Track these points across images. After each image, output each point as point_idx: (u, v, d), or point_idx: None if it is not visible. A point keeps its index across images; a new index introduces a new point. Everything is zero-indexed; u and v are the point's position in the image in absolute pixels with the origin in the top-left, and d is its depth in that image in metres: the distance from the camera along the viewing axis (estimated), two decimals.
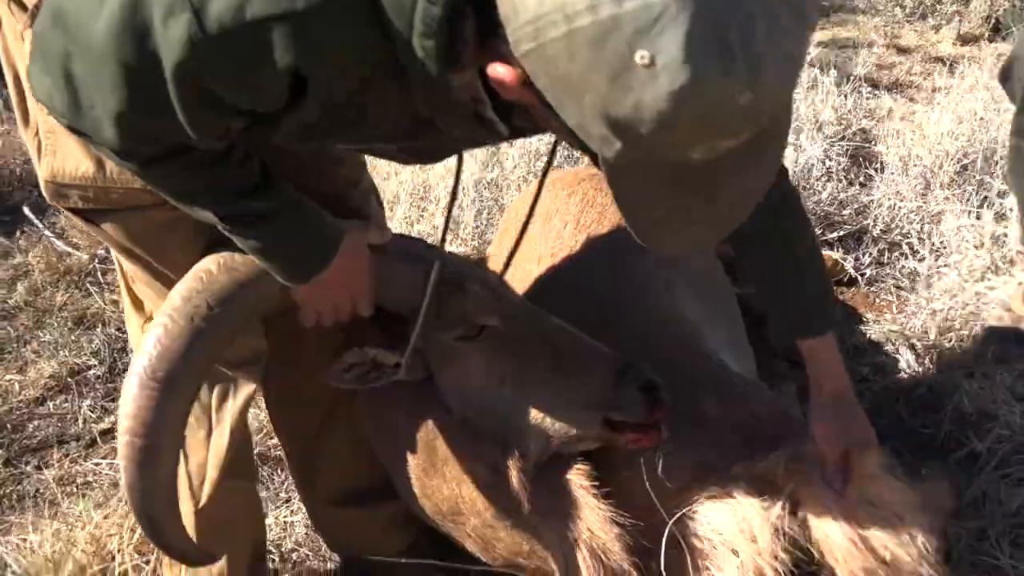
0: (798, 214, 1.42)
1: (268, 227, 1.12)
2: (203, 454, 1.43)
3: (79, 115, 0.96)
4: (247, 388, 1.41)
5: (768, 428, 1.57)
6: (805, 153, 2.88)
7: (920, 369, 2.05)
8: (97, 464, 2.12)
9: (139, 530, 1.67)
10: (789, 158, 2.82)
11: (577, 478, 1.43)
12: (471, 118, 1.00)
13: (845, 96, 3.38)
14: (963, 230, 2.24)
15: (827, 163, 2.86)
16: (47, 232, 3.17)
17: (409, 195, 2.80)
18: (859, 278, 2.59)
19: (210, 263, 1.23)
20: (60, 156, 1.20)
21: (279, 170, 1.25)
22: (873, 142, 3.24)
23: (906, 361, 2.11)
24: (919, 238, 2.46)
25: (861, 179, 3.06)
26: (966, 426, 1.83)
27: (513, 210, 2.21)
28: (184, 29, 0.84)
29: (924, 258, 2.30)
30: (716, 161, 0.79)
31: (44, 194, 1.25)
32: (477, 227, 2.74)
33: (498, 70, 0.86)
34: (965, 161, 2.87)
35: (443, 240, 1.46)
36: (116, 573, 1.64)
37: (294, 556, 1.86)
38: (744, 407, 1.60)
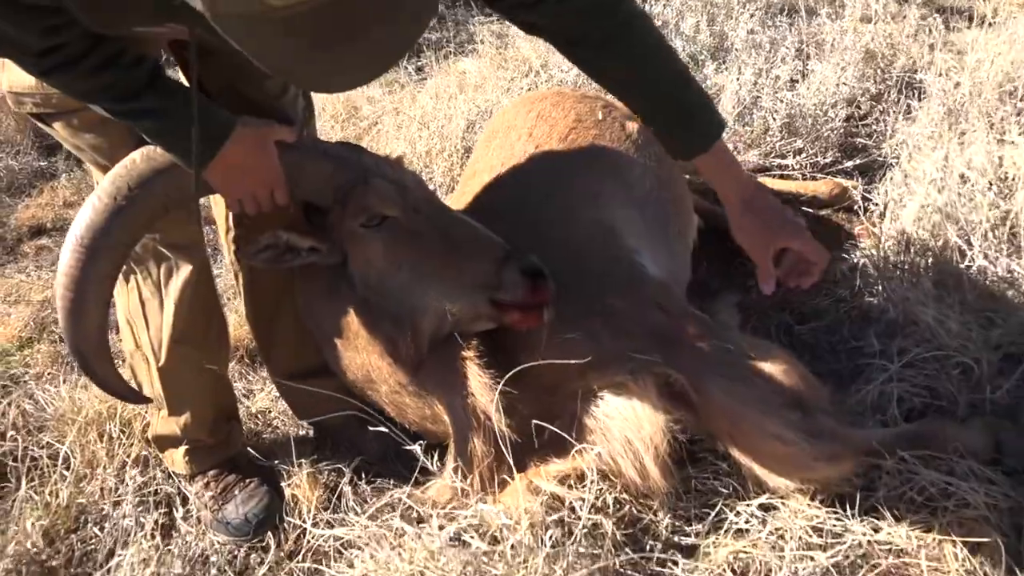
0: (647, 41, 1.47)
1: (159, 120, 1.33)
2: (158, 321, 1.72)
3: None
4: (186, 268, 1.68)
5: (673, 324, 1.69)
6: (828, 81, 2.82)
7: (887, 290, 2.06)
8: None
9: None
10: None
11: (467, 352, 1.61)
12: None
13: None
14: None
15: (846, 89, 2.80)
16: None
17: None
18: (862, 206, 2.56)
19: (136, 153, 1.45)
20: (13, 71, 1.48)
21: (218, 80, 1.49)
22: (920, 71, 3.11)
23: (881, 284, 2.12)
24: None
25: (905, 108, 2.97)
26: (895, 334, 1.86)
27: (489, 125, 2.36)
28: None
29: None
30: (308, 10, 0.82)
31: (8, 103, 1.54)
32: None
33: None
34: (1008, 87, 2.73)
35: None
36: (120, 415, 1.98)
37: (278, 424, 2.16)
38: (650, 305, 1.72)
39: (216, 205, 1.84)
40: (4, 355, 2.53)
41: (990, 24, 3.02)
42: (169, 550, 1.75)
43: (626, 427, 1.58)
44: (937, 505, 1.54)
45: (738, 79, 2.95)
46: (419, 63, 4.15)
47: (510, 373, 1.52)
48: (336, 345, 1.72)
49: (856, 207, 2.56)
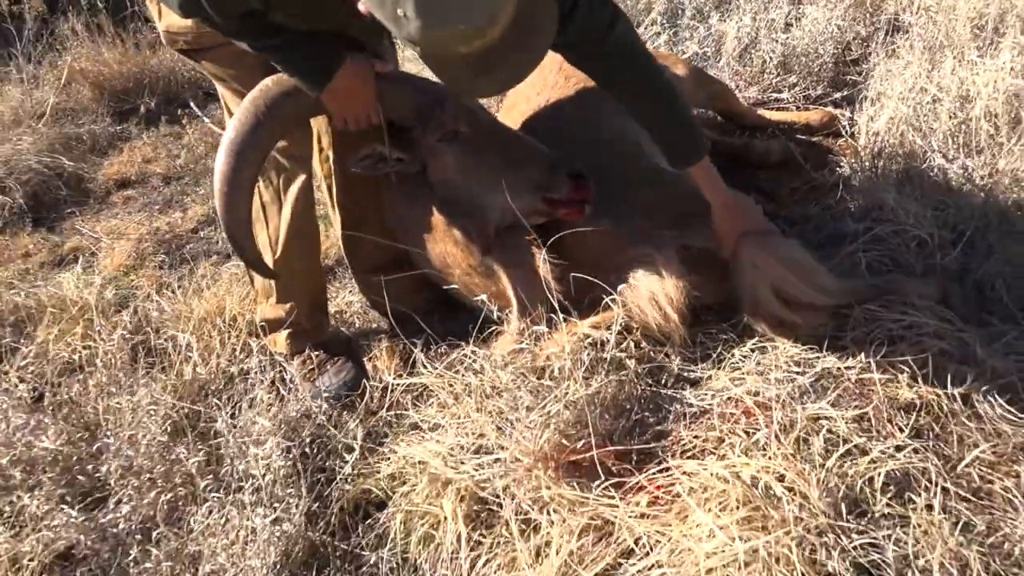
0: (636, 66, 1.92)
1: (289, 52, 1.77)
2: (276, 221, 2.15)
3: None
4: (301, 176, 2.11)
5: (691, 206, 2.10)
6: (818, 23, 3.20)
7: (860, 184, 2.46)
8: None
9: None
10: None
11: (526, 238, 2.03)
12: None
13: None
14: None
15: (834, 29, 3.18)
16: (206, 119, 4.03)
17: None
18: (848, 130, 2.94)
19: (268, 80, 1.89)
20: (167, 16, 1.91)
21: (328, 20, 1.92)
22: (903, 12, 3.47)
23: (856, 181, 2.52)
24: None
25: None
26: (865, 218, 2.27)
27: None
28: None
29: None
30: (486, 51, 1.41)
31: (163, 41, 1.98)
32: None
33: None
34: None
35: None
36: (226, 312, 2.42)
37: (355, 319, 2.60)
38: (672, 193, 2.14)
39: (318, 127, 2.25)
40: (115, 280, 2.98)
41: None
42: (285, 408, 2.19)
43: (651, 285, 1.99)
44: (897, 342, 1.95)
45: (738, 25, 3.34)
46: None
47: (553, 238, 1.94)
48: (418, 238, 2.14)
49: (843, 131, 2.95)
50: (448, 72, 1.50)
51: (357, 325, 2.60)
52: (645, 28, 3.62)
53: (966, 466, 1.72)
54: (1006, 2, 3.05)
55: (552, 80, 2.43)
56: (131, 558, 1.74)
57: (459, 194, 2.05)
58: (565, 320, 1.90)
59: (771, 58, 3.17)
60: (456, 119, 2.01)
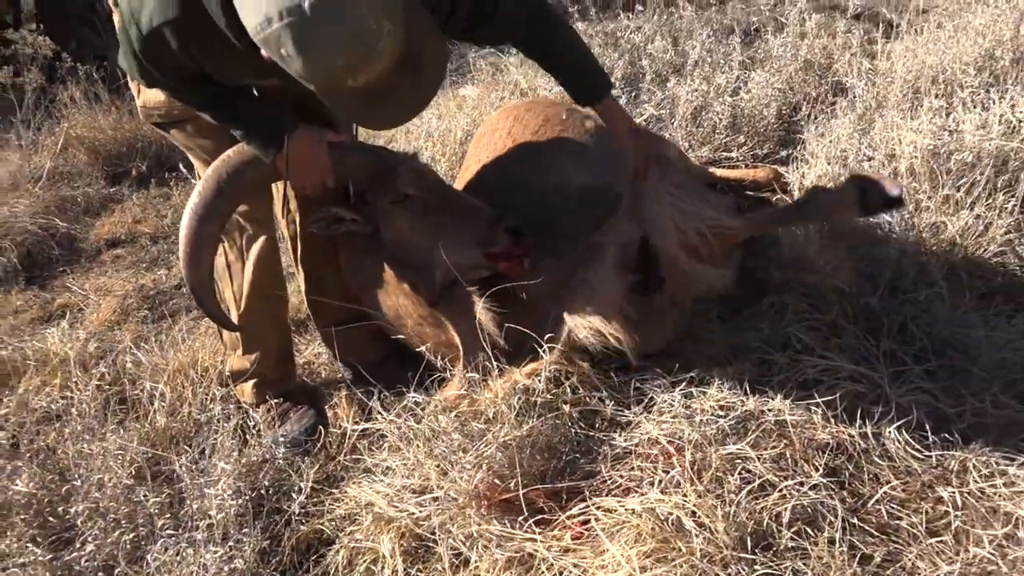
0: (560, 30, 2.17)
1: (245, 120, 1.96)
2: (240, 279, 2.31)
3: (131, 73, 1.86)
4: (263, 237, 2.28)
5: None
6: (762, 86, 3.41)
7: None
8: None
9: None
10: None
11: (470, 290, 2.18)
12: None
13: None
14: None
15: (776, 92, 3.38)
16: (193, 180, 4.23)
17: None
18: (794, 185, 3.12)
19: (231, 150, 2.07)
20: (144, 94, 2.11)
21: (285, 95, 2.11)
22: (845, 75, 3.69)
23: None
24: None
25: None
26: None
27: (479, 130, 2.97)
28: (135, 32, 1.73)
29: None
30: (374, 84, 1.56)
31: (140, 116, 2.18)
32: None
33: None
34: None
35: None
36: (199, 364, 2.56)
37: (321, 370, 2.75)
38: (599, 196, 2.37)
39: (275, 191, 2.43)
40: (99, 335, 3.14)
41: (897, 36, 3.59)
42: (246, 453, 2.32)
43: (588, 302, 2.15)
44: (815, 385, 2.09)
45: (688, 88, 3.55)
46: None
47: (492, 289, 2.09)
48: (372, 292, 2.30)
49: (788, 186, 3.12)
50: (343, 105, 1.65)
51: (323, 375, 2.74)
52: None
53: (876, 503, 1.84)
54: (941, 67, 3.25)
55: (501, 144, 2.61)
56: None
57: (408, 251, 2.21)
58: (501, 369, 2.04)
59: (720, 119, 3.37)
60: (405, 182, 2.18)
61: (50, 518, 2.06)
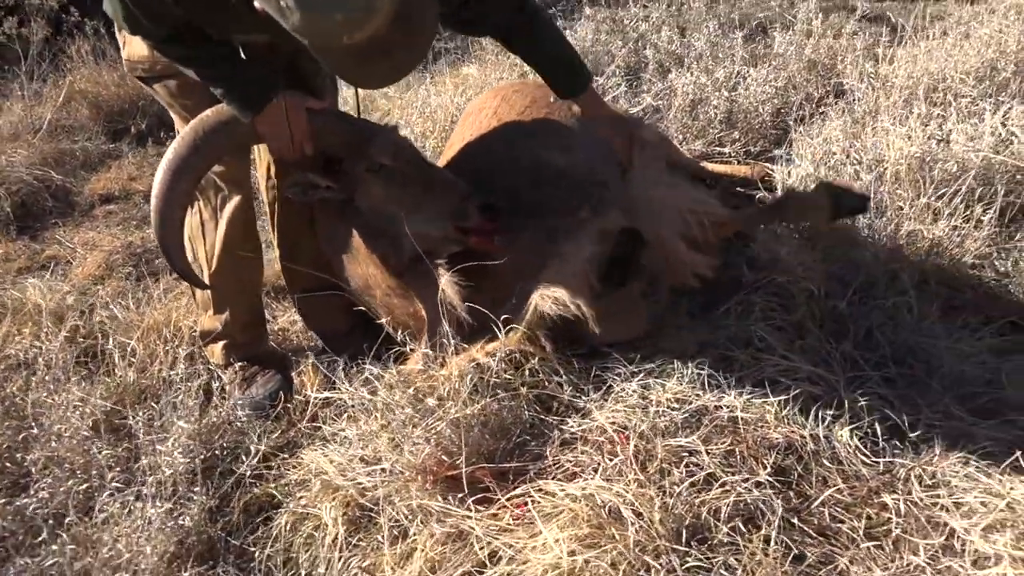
0: (542, 24, 2.23)
1: (228, 80, 1.96)
2: (213, 237, 2.33)
3: (116, 18, 1.85)
4: (237, 197, 2.29)
5: (594, 183, 2.39)
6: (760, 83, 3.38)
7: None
8: None
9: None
10: None
11: (440, 263, 2.18)
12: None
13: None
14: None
15: (772, 90, 3.36)
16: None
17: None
18: (782, 184, 3.10)
19: (210, 110, 2.07)
20: (129, 46, 2.12)
21: (272, 58, 2.10)
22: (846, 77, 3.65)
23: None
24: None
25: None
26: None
27: (466, 108, 2.97)
28: None
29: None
30: (367, 42, 1.55)
31: (125, 69, 2.18)
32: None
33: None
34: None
35: (359, 111, 2.28)
36: (173, 322, 2.59)
37: (293, 338, 2.77)
38: (574, 180, 2.38)
39: (260, 157, 2.44)
40: (85, 288, 3.17)
41: (901, 40, 3.55)
42: (208, 413, 2.34)
43: (557, 273, 2.13)
44: (773, 384, 2.08)
45: (692, 81, 3.52)
46: (433, 68, 4.79)
47: (459, 267, 2.09)
48: (344, 260, 2.30)
49: (773, 185, 3.10)
50: (335, 62, 1.65)
51: (296, 342, 2.76)
52: (607, 78, 3.81)
53: (820, 505, 1.84)
54: (941, 75, 3.21)
55: (486, 124, 2.61)
56: (41, 539, 1.89)
57: (380, 220, 2.21)
58: (459, 346, 2.05)
59: (716, 114, 3.35)
60: (382, 152, 2.18)
61: (7, 463, 2.10)
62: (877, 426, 1.96)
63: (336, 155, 2.20)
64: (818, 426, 1.98)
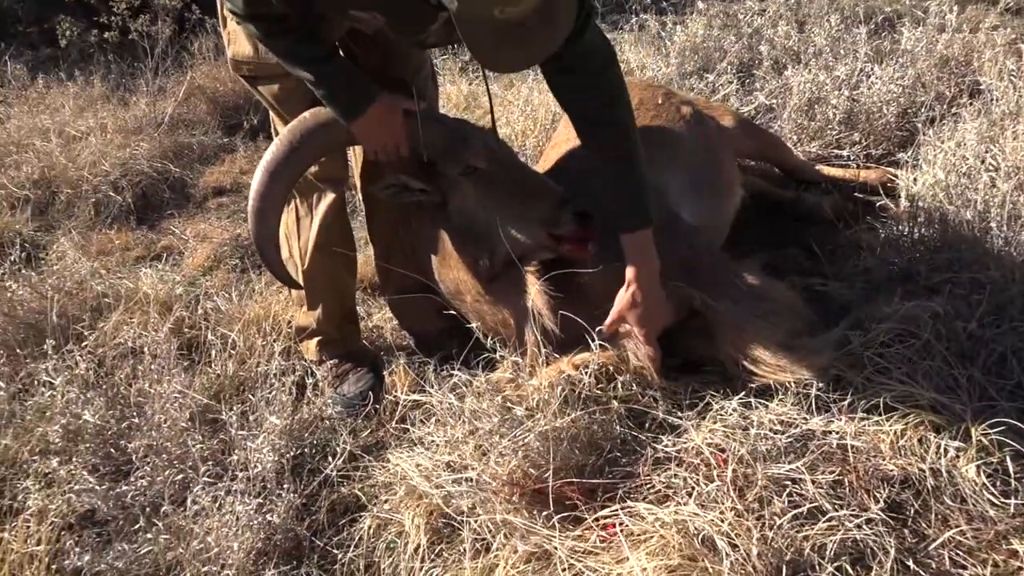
0: (619, 129, 2.01)
1: (329, 83, 1.95)
2: (307, 235, 2.34)
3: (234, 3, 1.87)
4: (331, 195, 2.30)
5: (695, 257, 2.16)
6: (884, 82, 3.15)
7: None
8: None
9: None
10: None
11: (531, 270, 2.13)
12: None
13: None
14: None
15: (898, 90, 3.11)
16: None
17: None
18: (906, 192, 2.87)
19: (307, 112, 2.09)
20: (236, 44, 2.15)
21: (371, 62, 2.09)
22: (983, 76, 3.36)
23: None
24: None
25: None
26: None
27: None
28: None
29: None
30: (515, 19, 1.49)
31: (230, 68, 2.22)
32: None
33: None
34: None
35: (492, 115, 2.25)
36: (273, 316, 2.63)
37: (387, 335, 2.76)
38: (680, 241, 2.20)
39: (357, 158, 2.44)
40: (194, 279, 3.28)
41: None
42: (300, 409, 2.36)
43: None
44: (889, 411, 1.92)
45: (809, 79, 3.32)
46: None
47: (551, 274, 2.03)
48: (436, 264, 2.28)
49: (897, 192, 2.88)
50: (475, 36, 1.58)
51: (388, 340, 2.76)
52: (717, 75, 3.65)
53: (939, 547, 1.68)
54: None
55: None
56: (138, 527, 1.94)
57: (473, 224, 2.17)
58: (549, 357, 1.98)
59: (835, 114, 3.14)
60: (477, 155, 2.14)
61: (112, 450, 2.17)
62: (1009, 463, 1.78)
63: (431, 157, 2.17)
64: (940, 459, 1.82)
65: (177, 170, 4.21)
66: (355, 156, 2.45)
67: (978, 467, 1.78)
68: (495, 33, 1.54)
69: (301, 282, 2.37)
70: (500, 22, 1.51)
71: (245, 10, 1.89)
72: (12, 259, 3.05)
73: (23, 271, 3.01)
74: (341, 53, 2.12)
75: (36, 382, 2.40)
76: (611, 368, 2.04)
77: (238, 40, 2.14)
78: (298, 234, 2.35)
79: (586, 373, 1.96)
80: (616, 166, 2.02)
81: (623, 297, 2.03)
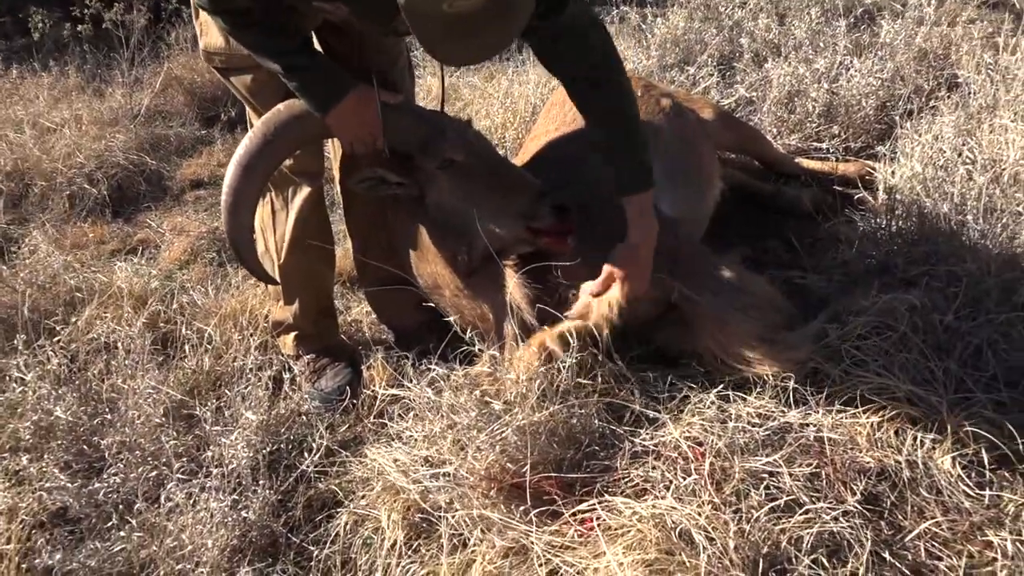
0: (619, 96, 2.00)
1: (301, 75, 1.92)
2: (282, 230, 2.31)
3: None
4: (306, 189, 2.27)
5: (679, 250, 2.17)
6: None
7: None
8: None
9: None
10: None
11: (508, 263, 2.11)
12: None
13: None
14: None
15: (877, 83, 3.12)
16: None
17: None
18: (885, 184, 2.88)
19: (281, 104, 2.05)
20: (207, 35, 2.11)
21: (346, 52, 2.05)
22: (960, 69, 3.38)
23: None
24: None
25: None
26: None
27: (549, 99, 2.87)
28: None
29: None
30: (466, 13, 1.46)
31: (203, 59, 2.18)
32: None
33: None
34: None
35: (442, 105, 2.22)
36: (249, 311, 2.60)
37: (365, 330, 2.74)
38: (669, 234, 2.18)
39: (335, 150, 2.41)
40: (170, 272, 3.24)
41: None
42: (277, 404, 2.33)
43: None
44: (865, 403, 1.92)
45: (789, 72, 3.32)
46: (517, 58, 4.69)
47: (529, 267, 2.01)
48: (414, 257, 2.26)
49: (875, 185, 2.89)
50: (424, 30, 1.55)
51: (367, 334, 2.74)
52: (697, 68, 3.64)
53: (915, 539, 1.69)
54: None
55: (570, 118, 2.51)
56: (111, 525, 1.92)
57: (450, 218, 2.15)
58: (526, 348, 1.98)
59: (815, 107, 3.14)
60: (454, 148, 2.11)
61: (85, 446, 2.14)
62: (984, 454, 1.79)
63: (407, 150, 2.15)
64: (916, 451, 1.83)
65: (154, 162, 4.15)
66: (333, 149, 2.42)
67: (953, 459, 1.79)
68: (445, 27, 1.52)
69: (277, 277, 2.34)
70: (450, 16, 1.49)
71: (211, 5, 1.87)
72: None
73: None
74: (316, 45, 2.08)
75: (7, 378, 2.36)
76: (589, 361, 2.03)
77: (209, 31, 2.11)
78: (274, 228, 2.32)
79: (571, 338, 1.94)
80: (614, 130, 2.01)
81: (621, 254, 2.02)
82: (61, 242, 3.46)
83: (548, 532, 1.68)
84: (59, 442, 2.12)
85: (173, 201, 3.99)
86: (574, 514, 1.70)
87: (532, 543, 1.65)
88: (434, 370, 2.09)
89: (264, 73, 2.06)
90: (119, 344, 2.39)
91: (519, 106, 3.47)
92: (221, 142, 4.41)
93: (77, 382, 2.32)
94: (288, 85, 1.97)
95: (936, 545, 1.68)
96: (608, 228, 2.16)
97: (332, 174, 2.61)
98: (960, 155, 2.53)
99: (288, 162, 2.19)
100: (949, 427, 1.84)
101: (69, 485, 1.98)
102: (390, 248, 2.38)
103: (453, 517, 1.77)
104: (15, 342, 2.33)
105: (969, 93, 3.09)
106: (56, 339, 2.44)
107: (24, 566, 1.86)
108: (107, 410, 2.17)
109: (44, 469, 2.04)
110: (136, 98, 4.66)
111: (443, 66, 2.25)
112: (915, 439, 1.84)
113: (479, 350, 2.10)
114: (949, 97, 3.21)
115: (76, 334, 2.55)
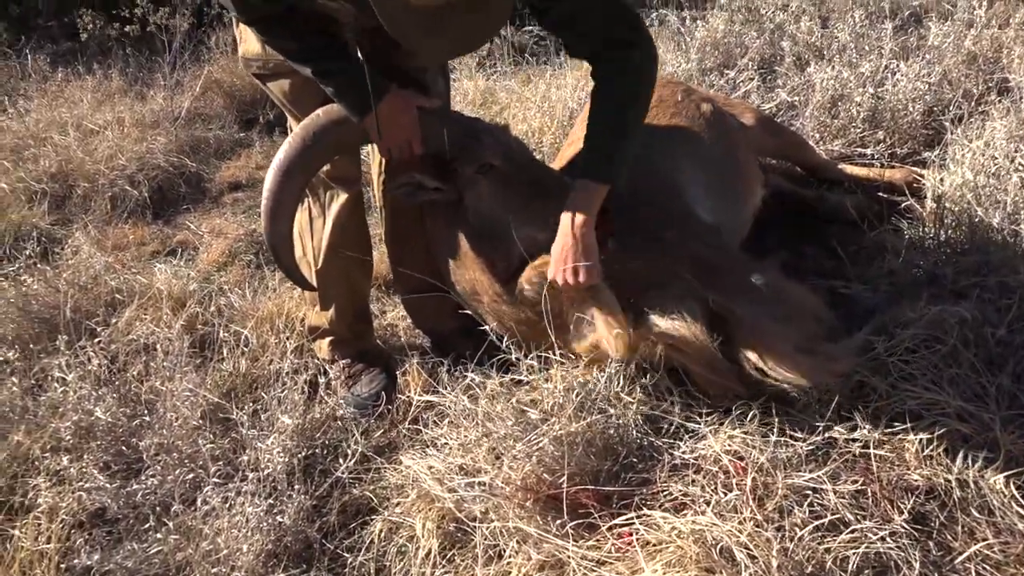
0: (637, 87, 1.96)
1: (336, 79, 1.92)
2: (320, 235, 2.31)
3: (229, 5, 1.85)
4: (344, 195, 2.26)
5: (712, 257, 2.11)
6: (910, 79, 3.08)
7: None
8: None
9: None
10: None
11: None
12: None
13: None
14: None
15: (924, 87, 3.04)
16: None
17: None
18: (934, 192, 2.80)
19: (320, 110, 2.06)
20: (245, 42, 2.12)
21: (381, 56, 2.06)
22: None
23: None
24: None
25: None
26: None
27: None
28: None
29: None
30: (433, 7, 1.46)
31: (241, 65, 2.19)
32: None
33: None
34: None
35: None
36: (286, 314, 2.61)
37: (401, 334, 2.73)
38: (697, 240, 2.15)
39: (373, 156, 2.41)
40: (208, 275, 3.27)
41: None
42: (312, 409, 2.33)
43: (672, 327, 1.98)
44: (914, 419, 1.86)
45: (832, 76, 3.25)
46: (554, 61, 4.67)
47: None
48: (451, 264, 2.24)
49: (925, 193, 2.81)
50: (395, 24, 1.54)
51: (402, 339, 2.73)
52: (738, 72, 3.59)
53: (965, 560, 1.63)
54: None
55: None
56: (148, 526, 1.93)
57: (488, 223, 2.14)
58: (561, 361, 1.95)
59: (859, 112, 3.07)
60: (492, 153, 2.10)
61: (124, 447, 2.15)
62: None
63: (446, 155, 2.14)
64: (966, 470, 1.77)
65: (193, 165, 4.19)
66: (371, 153, 2.42)
67: (1007, 478, 1.74)
68: (415, 22, 1.52)
69: (314, 282, 2.34)
70: (417, 10, 1.48)
71: (243, 15, 1.89)
72: (27, 253, 3.05)
73: (38, 265, 3.00)
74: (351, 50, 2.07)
75: (49, 378, 2.38)
76: (633, 372, 1.99)
77: (247, 38, 2.12)
78: (311, 234, 2.32)
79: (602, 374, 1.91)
80: (609, 115, 1.97)
81: (565, 243, 1.93)
82: (103, 243, 3.50)
83: (585, 546, 1.65)
84: (98, 443, 2.13)
85: (212, 203, 4.03)
86: (611, 528, 1.67)
87: (568, 557, 1.62)
88: (470, 377, 2.07)
89: (301, 79, 2.06)
90: (158, 346, 2.41)
91: (556, 110, 3.45)
92: (259, 145, 4.45)
93: (117, 383, 2.34)
94: (325, 90, 1.97)
95: (988, 568, 1.63)
96: (648, 231, 2.14)
97: (370, 178, 2.60)
98: (1012, 162, 2.46)
99: (326, 168, 2.19)
100: (1002, 445, 1.79)
101: (108, 486, 2.00)
102: (427, 254, 2.37)
103: (488, 528, 1.75)
104: (57, 342, 2.35)
105: (1021, 98, 3.00)
106: (97, 340, 2.47)
107: (63, 565, 1.87)
108: (145, 412, 2.18)
109: (84, 469, 2.05)
110: (177, 101, 4.71)
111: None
112: (966, 457, 1.78)
113: (516, 359, 2.08)
114: (1000, 102, 3.12)
115: (116, 335, 2.59)
